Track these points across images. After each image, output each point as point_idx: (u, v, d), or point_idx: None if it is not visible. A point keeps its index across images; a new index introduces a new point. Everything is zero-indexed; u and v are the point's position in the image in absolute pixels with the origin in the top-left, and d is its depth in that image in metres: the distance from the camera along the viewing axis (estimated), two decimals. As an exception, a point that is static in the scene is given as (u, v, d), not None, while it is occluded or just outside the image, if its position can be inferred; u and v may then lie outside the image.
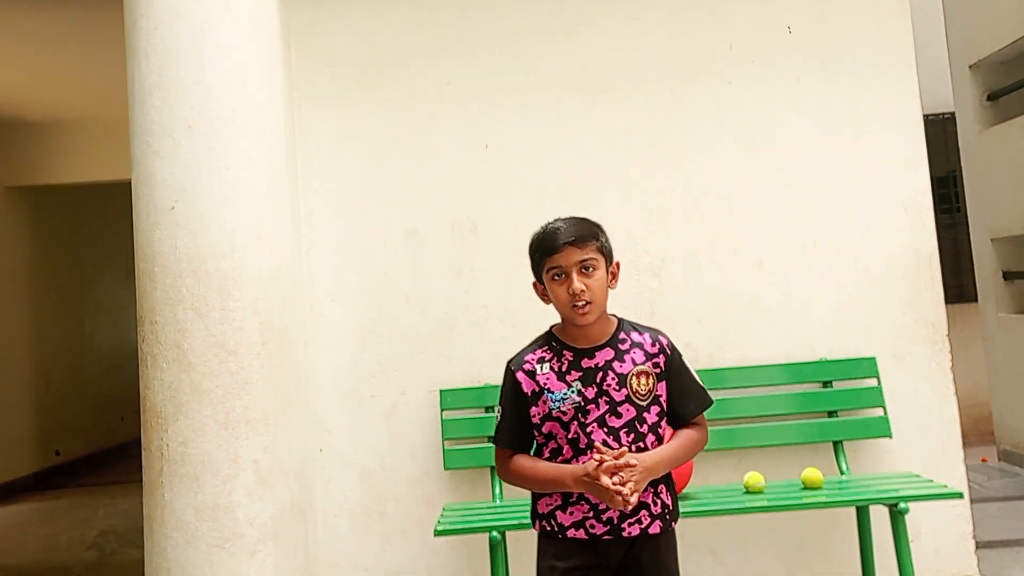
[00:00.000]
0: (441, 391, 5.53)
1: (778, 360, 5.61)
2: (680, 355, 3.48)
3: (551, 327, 3.50)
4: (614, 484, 3.09)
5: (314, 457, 5.53)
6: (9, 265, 11.48)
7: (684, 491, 5.01)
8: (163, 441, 4.68)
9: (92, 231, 13.40)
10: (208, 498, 4.63)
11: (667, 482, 3.41)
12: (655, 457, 3.28)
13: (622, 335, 3.42)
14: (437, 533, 4.90)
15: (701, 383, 3.52)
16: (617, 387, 3.32)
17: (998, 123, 8.92)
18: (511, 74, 5.81)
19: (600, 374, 3.33)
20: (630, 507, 3.14)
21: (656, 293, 5.64)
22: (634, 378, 3.34)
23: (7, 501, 10.53)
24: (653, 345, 3.42)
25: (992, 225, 9.03)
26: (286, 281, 5.07)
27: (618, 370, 3.34)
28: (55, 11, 7.22)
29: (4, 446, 11.03)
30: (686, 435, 3.43)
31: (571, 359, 3.36)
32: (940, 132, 10.02)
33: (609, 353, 3.37)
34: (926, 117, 5.76)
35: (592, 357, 3.36)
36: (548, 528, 3.37)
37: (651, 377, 3.36)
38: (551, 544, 3.37)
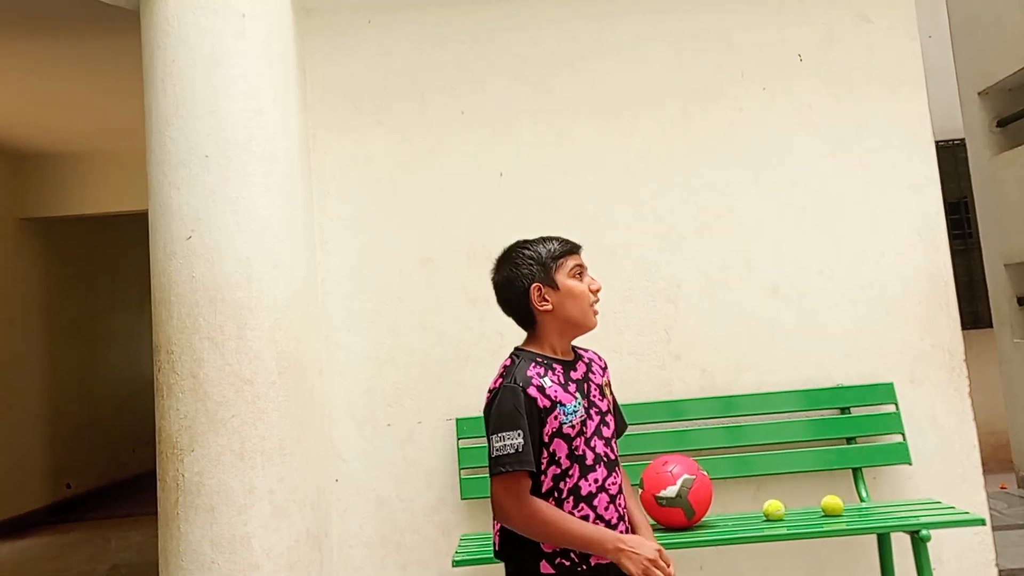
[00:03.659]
0: (457, 419, 5.50)
1: (794, 386, 5.56)
2: None
3: (517, 349, 3.37)
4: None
5: (330, 486, 5.50)
6: (23, 296, 11.49)
7: (703, 519, 4.97)
8: (179, 472, 4.66)
9: (105, 262, 13.43)
10: (224, 529, 4.60)
11: None
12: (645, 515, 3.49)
13: (579, 351, 3.45)
14: (455, 563, 4.87)
15: None
16: (600, 397, 3.34)
17: (1008, 149, 8.93)
18: (524, 100, 5.83)
19: (586, 386, 3.31)
20: None
21: (671, 318, 5.62)
22: (607, 388, 3.41)
23: (19, 535, 10.48)
24: (600, 360, 3.50)
25: (1005, 251, 9.02)
26: (301, 309, 5.06)
27: (595, 381, 3.37)
28: (70, 44, 7.25)
29: (17, 479, 10.99)
30: (628, 481, 3.48)
31: (562, 372, 3.28)
32: (951, 158, 10.02)
33: (583, 366, 3.37)
34: (936, 143, 5.75)
35: (575, 369, 3.33)
36: (568, 564, 3.15)
37: (609, 389, 3.44)
38: None
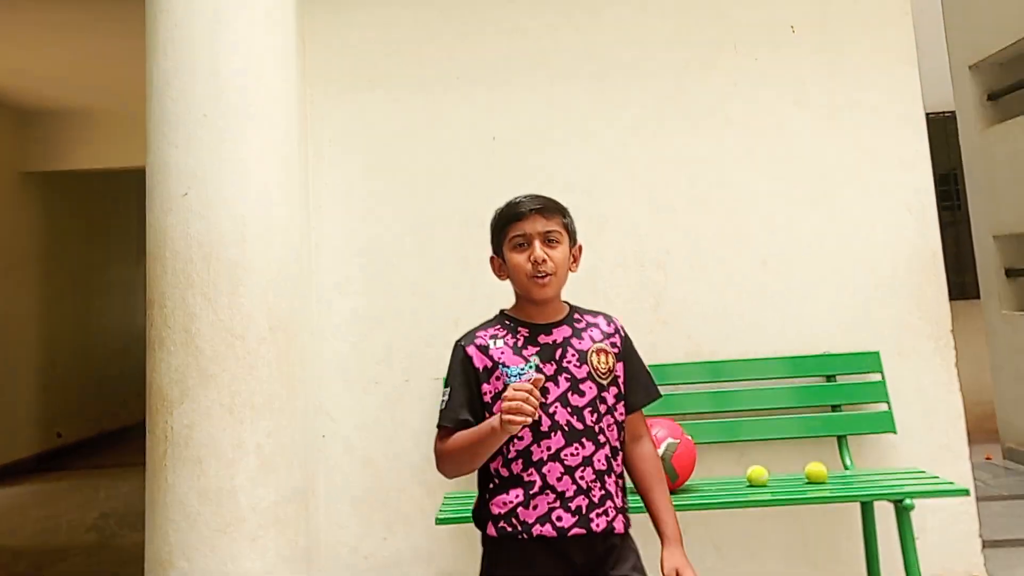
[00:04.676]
0: (444, 380, 5.50)
1: (782, 354, 5.61)
2: (631, 341, 3.36)
3: (502, 309, 3.33)
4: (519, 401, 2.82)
5: (317, 443, 5.54)
6: (22, 248, 11.61)
7: (686, 483, 5.01)
8: (168, 424, 4.69)
9: (103, 216, 13.55)
10: (211, 482, 4.64)
11: (624, 478, 3.26)
12: (677, 530, 3.22)
13: (576, 316, 3.29)
14: (439, 521, 4.90)
15: (650, 373, 3.40)
16: (578, 363, 3.15)
17: (999, 122, 8.96)
18: (519, 68, 5.86)
19: (559, 351, 3.16)
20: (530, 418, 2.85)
21: (660, 286, 5.65)
22: (594, 355, 3.19)
23: (8, 482, 10.55)
24: (609, 325, 3.31)
25: (994, 223, 9.07)
26: (294, 269, 5.08)
27: (577, 346, 3.18)
28: (76, 3, 7.27)
29: (8, 427, 11.08)
30: (658, 466, 3.34)
31: (527, 335, 3.19)
32: (941, 131, 10.03)
33: (567, 330, 3.21)
34: (927, 116, 5.77)
35: (549, 334, 3.19)
36: (509, 529, 3.07)
37: (610, 356, 3.22)
38: (510, 548, 3.09)
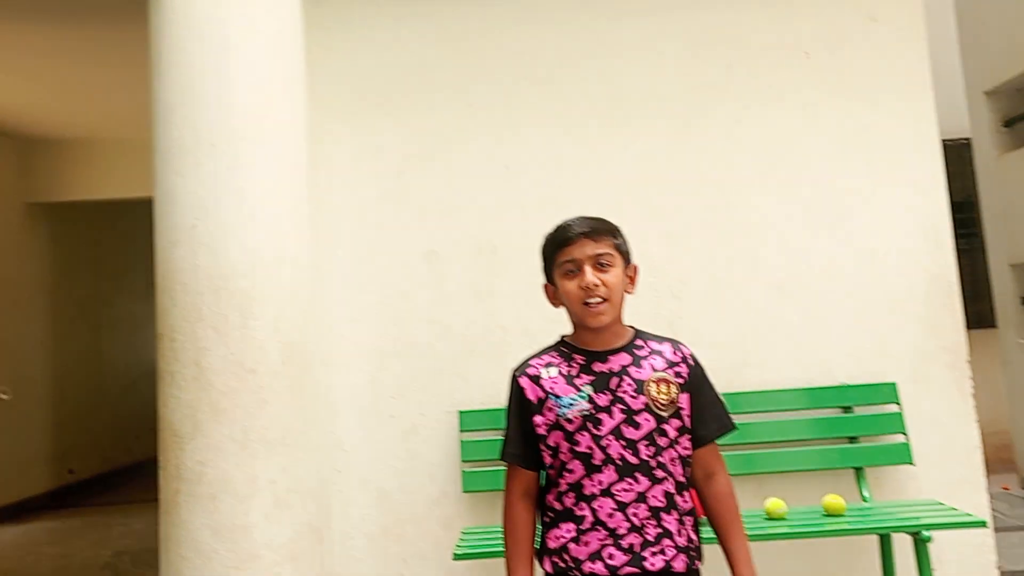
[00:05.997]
0: (460, 412, 5.51)
1: (798, 384, 5.57)
2: (703, 369, 3.17)
3: (562, 336, 3.21)
4: None
5: (332, 478, 5.51)
6: (29, 281, 11.59)
7: (703, 517, 4.95)
8: (180, 460, 4.64)
9: (110, 248, 13.54)
10: (225, 519, 4.58)
11: (693, 515, 3.11)
12: (748, 560, 3.16)
13: (639, 341, 3.13)
14: (456, 557, 4.87)
15: (724, 403, 3.22)
16: (634, 394, 3.00)
17: (1015, 149, 8.93)
18: (531, 96, 5.84)
19: (615, 380, 3.02)
20: None
21: (676, 315, 5.60)
22: (653, 384, 3.03)
23: (22, 519, 10.52)
24: (675, 353, 3.13)
25: (1011, 251, 9.03)
26: (306, 300, 5.03)
27: (635, 375, 3.03)
28: (79, 31, 7.31)
29: (20, 464, 11.04)
30: (732, 508, 3.21)
31: (582, 363, 3.07)
32: (956, 158, 9.99)
33: (625, 358, 3.07)
34: (942, 142, 5.73)
35: (605, 361, 3.06)
36: (561, 565, 3.01)
37: (672, 386, 3.05)
38: None
